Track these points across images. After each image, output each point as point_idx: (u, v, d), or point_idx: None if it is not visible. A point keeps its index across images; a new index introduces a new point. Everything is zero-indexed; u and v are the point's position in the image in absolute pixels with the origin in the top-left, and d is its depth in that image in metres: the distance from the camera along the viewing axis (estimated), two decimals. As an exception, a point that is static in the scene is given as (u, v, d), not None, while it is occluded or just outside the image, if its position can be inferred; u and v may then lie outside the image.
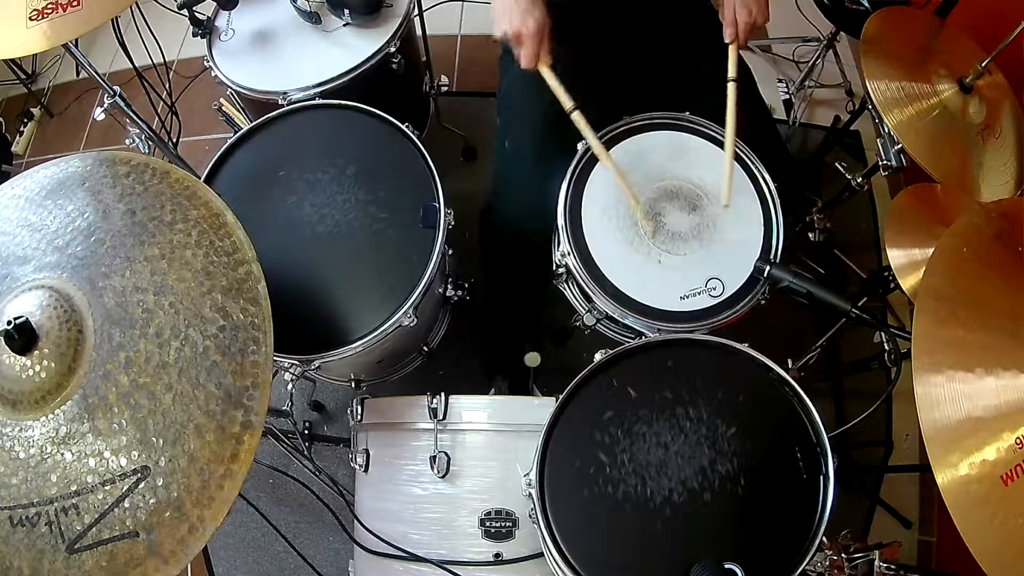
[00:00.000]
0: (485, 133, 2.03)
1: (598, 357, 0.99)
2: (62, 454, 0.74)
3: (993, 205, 1.05)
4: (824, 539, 0.87)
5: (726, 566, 0.81)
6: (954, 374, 0.72)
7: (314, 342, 1.08)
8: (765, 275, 1.05)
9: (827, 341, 1.54)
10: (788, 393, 0.96)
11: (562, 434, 0.94)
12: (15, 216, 0.87)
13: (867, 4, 1.58)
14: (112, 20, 1.29)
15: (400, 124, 1.23)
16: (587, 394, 0.97)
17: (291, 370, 1.13)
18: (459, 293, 1.36)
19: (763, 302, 1.09)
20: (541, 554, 0.98)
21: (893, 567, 1.01)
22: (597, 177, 1.15)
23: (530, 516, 0.94)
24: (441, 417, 1.04)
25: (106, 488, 0.73)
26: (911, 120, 1.16)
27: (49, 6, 1.14)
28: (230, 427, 0.75)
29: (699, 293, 1.07)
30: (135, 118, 1.50)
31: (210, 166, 1.21)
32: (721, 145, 1.18)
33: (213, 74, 1.42)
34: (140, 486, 0.73)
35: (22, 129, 2.38)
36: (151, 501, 0.72)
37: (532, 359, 1.32)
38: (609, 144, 1.17)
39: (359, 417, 1.15)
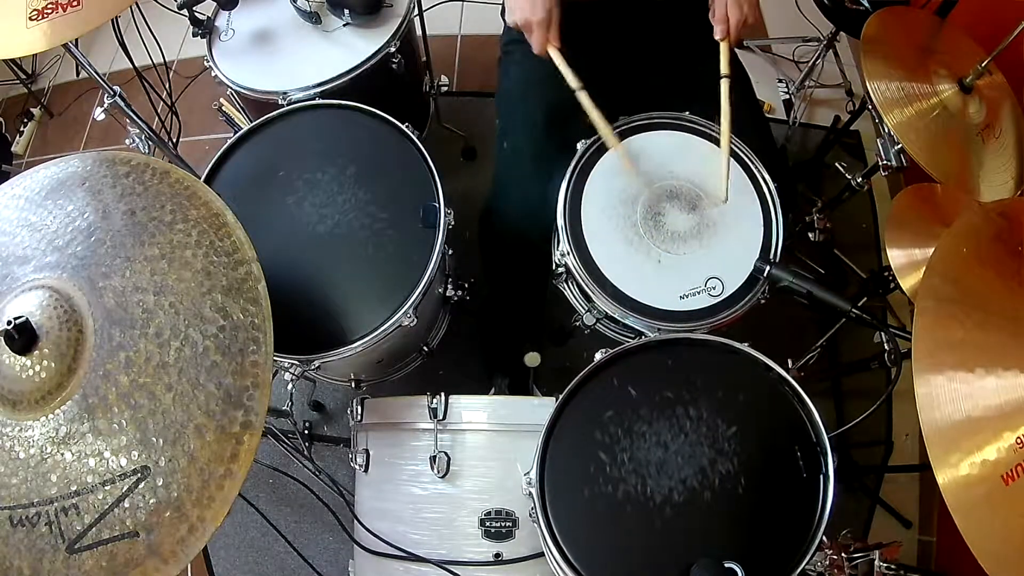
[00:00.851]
0: (485, 133, 2.03)
1: (598, 357, 0.99)
2: (62, 454, 0.74)
3: (993, 205, 1.05)
4: (824, 539, 0.87)
5: (726, 565, 0.81)
6: (954, 374, 0.72)
7: (314, 342, 1.08)
8: (765, 275, 1.05)
9: (827, 341, 1.54)
10: (788, 393, 0.96)
11: (562, 434, 0.94)
12: (15, 216, 0.87)
13: (867, 4, 1.58)
14: (112, 20, 1.29)
15: (400, 124, 1.23)
16: (587, 394, 0.97)
17: (291, 370, 1.13)
18: (459, 293, 1.36)
19: (763, 302, 1.09)
20: (541, 554, 0.98)
21: (893, 567, 1.01)
22: (597, 177, 1.15)
23: (530, 516, 0.94)
24: (441, 417, 1.04)
25: (106, 488, 0.73)
26: (911, 120, 1.16)
27: (49, 6, 1.14)
28: (230, 427, 0.75)
29: (699, 293, 1.07)
30: (135, 118, 1.50)
31: (210, 166, 1.21)
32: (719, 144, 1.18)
33: (213, 74, 1.42)
34: (140, 486, 0.73)
35: (22, 129, 2.38)
36: (151, 501, 0.72)
37: (532, 359, 1.32)
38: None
39: (359, 417, 1.15)
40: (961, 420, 0.71)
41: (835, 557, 0.99)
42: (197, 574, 1.65)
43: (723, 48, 1.12)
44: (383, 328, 1.08)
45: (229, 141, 1.24)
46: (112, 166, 0.90)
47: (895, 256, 1.26)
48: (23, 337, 0.75)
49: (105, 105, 1.44)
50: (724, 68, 1.11)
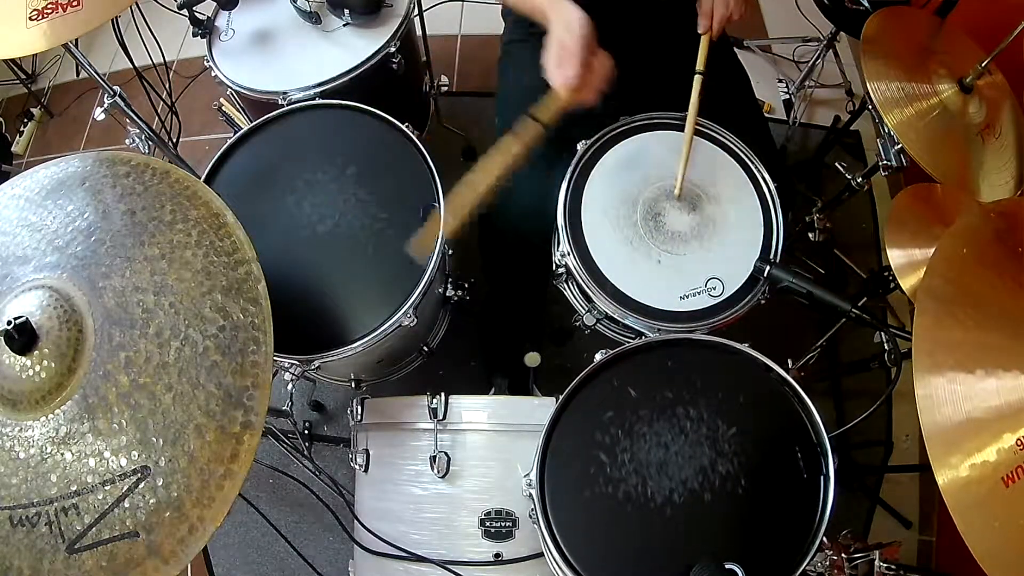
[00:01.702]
0: (485, 133, 2.03)
1: (598, 357, 0.99)
2: (62, 454, 0.74)
3: (993, 205, 1.05)
4: (824, 539, 0.87)
5: (726, 566, 0.81)
6: (954, 375, 0.72)
7: (314, 342, 1.08)
8: (765, 275, 1.05)
9: (827, 341, 1.54)
10: (788, 393, 0.96)
11: (562, 434, 0.94)
12: (15, 216, 0.87)
13: (867, 4, 1.58)
14: (112, 20, 1.29)
15: (400, 124, 1.23)
16: (587, 394, 0.97)
17: (291, 370, 1.13)
18: (459, 293, 1.36)
19: (763, 302, 1.09)
20: (541, 554, 0.98)
21: (893, 567, 1.01)
22: (597, 177, 1.15)
23: (530, 516, 0.94)
24: (441, 417, 1.04)
25: (106, 488, 0.73)
26: (911, 120, 1.16)
27: (49, 6, 1.14)
28: (230, 427, 0.75)
29: (699, 293, 1.07)
30: (135, 118, 1.50)
31: (210, 166, 1.21)
32: (722, 146, 1.18)
33: (213, 74, 1.42)
34: (140, 486, 0.73)
35: (22, 129, 2.38)
36: (151, 501, 0.72)
37: (532, 359, 1.32)
38: (609, 144, 1.18)
39: (359, 417, 1.15)
40: (961, 421, 0.71)
41: (835, 557, 0.99)
42: (197, 574, 1.65)
43: (703, 43, 1.12)
44: (383, 328, 1.08)
45: (229, 141, 1.24)
46: (112, 166, 0.90)
47: (895, 256, 1.26)
48: (23, 337, 0.75)
49: (105, 105, 1.44)
50: (700, 64, 1.11)
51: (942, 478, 0.69)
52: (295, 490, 1.61)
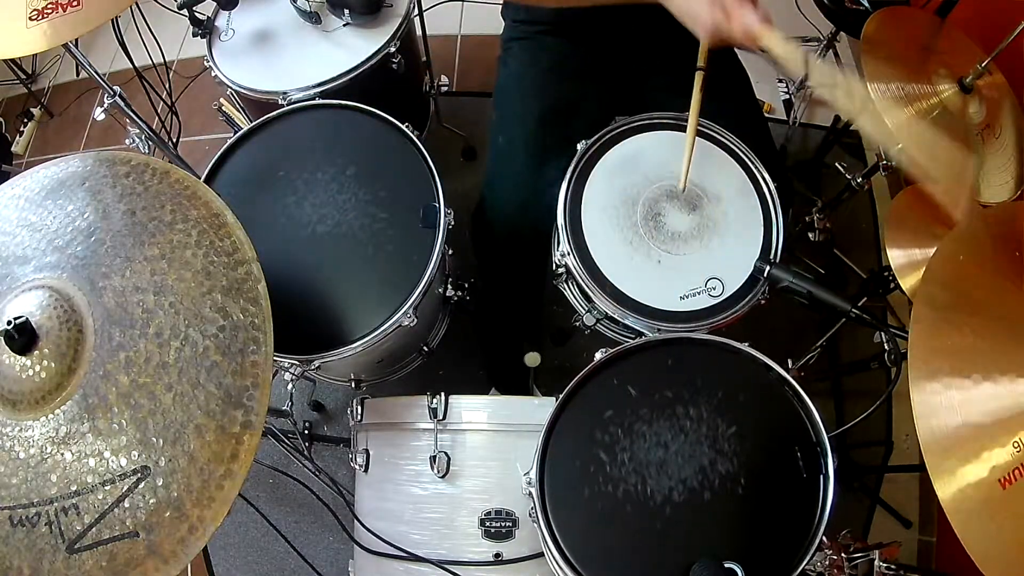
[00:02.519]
0: (485, 133, 2.00)
1: (598, 357, 0.99)
2: (62, 454, 0.74)
3: (991, 210, 1.05)
4: (824, 539, 0.87)
5: (726, 565, 0.81)
6: (951, 381, 0.72)
7: (314, 342, 1.08)
8: (765, 275, 1.05)
9: (827, 341, 1.54)
10: (788, 393, 0.96)
11: (562, 434, 0.94)
12: (15, 216, 0.87)
13: (867, 4, 1.58)
14: (112, 20, 1.29)
15: (400, 124, 1.23)
16: (587, 394, 0.97)
17: (291, 370, 1.13)
18: (459, 293, 1.36)
19: (763, 302, 1.09)
20: (541, 554, 0.98)
21: (893, 567, 1.01)
22: (597, 177, 1.15)
23: (530, 516, 0.94)
24: (441, 417, 1.04)
25: (106, 488, 0.73)
26: (911, 120, 1.16)
27: (49, 6, 1.14)
28: (230, 427, 0.75)
29: (699, 293, 1.07)
30: (135, 118, 1.50)
31: (210, 166, 1.21)
32: (722, 146, 1.18)
33: (213, 74, 1.42)
34: (140, 486, 0.73)
35: (22, 129, 2.39)
36: (151, 501, 0.72)
37: (532, 359, 1.32)
38: (609, 144, 1.17)
39: (359, 417, 1.15)
40: (958, 426, 0.71)
41: (835, 557, 0.99)
42: (197, 574, 1.65)
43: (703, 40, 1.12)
44: (383, 328, 1.08)
45: (229, 141, 1.24)
46: (112, 166, 0.90)
47: (895, 256, 1.26)
48: (23, 337, 0.75)
49: (105, 105, 1.44)
50: (700, 60, 1.10)
51: (939, 482, 0.69)
52: (295, 490, 1.61)
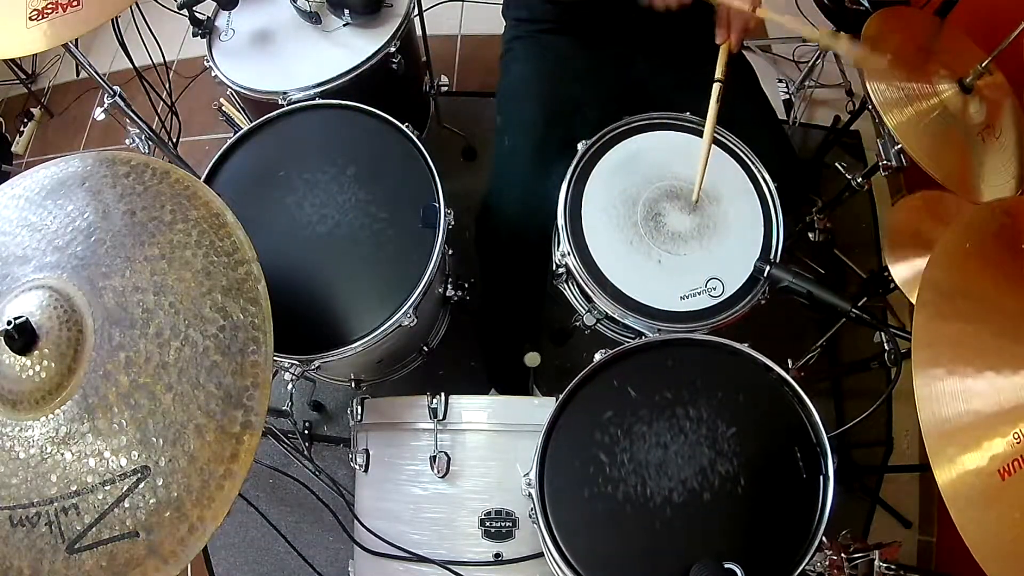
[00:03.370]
0: (485, 133, 2.03)
1: (598, 357, 0.99)
2: (62, 454, 0.74)
3: (996, 202, 1.05)
4: (824, 539, 0.87)
5: (726, 566, 0.81)
6: (953, 368, 0.73)
7: (314, 342, 1.08)
8: (765, 275, 1.05)
9: (827, 341, 1.54)
10: (788, 393, 0.96)
11: (562, 434, 0.94)
12: (15, 216, 0.87)
13: (867, 4, 1.58)
14: (112, 20, 1.29)
15: (400, 124, 1.22)
16: (587, 394, 0.97)
17: (291, 370, 1.13)
18: (459, 293, 1.36)
19: (763, 302, 1.09)
20: (541, 554, 0.98)
21: (893, 567, 1.01)
22: (597, 177, 1.15)
23: (530, 516, 0.94)
24: (441, 417, 1.04)
25: (106, 488, 0.73)
26: (911, 120, 1.16)
27: (49, 6, 1.14)
28: (230, 427, 0.75)
29: (699, 293, 1.07)
30: (135, 118, 1.50)
31: (210, 166, 1.21)
32: (722, 146, 1.18)
33: (213, 74, 1.42)
34: (140, 486, 0.73)
35: (22, 129, 2.38)
36: (151, 501, 0.72)
37: (532, 359, 1.32)
38: (609, 144, 1.18)
39: (359, 417, 1.15)
40: (959, 414, 0.71)
41: (835, 557, 0.99)
42: (197, 574, 1.65)
43: (722, 52, 1.11)
44: (383, 328, 1.08)
45: (229, 141, 1.24)
46: (112, 166, 0.90)
47: (897, 271, 1.26)
48: (23, 337, 0.75)
49: (105, 105, 1.44)
50: (719, 72, 1.10)
51: (939, 471, 0.69)
52: (295, 490, 1.61)
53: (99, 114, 1.45)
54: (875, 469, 1.67)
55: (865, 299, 1.55)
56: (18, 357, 0.76)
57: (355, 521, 1.16)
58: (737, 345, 1.00)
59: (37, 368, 0.76)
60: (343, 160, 1.20)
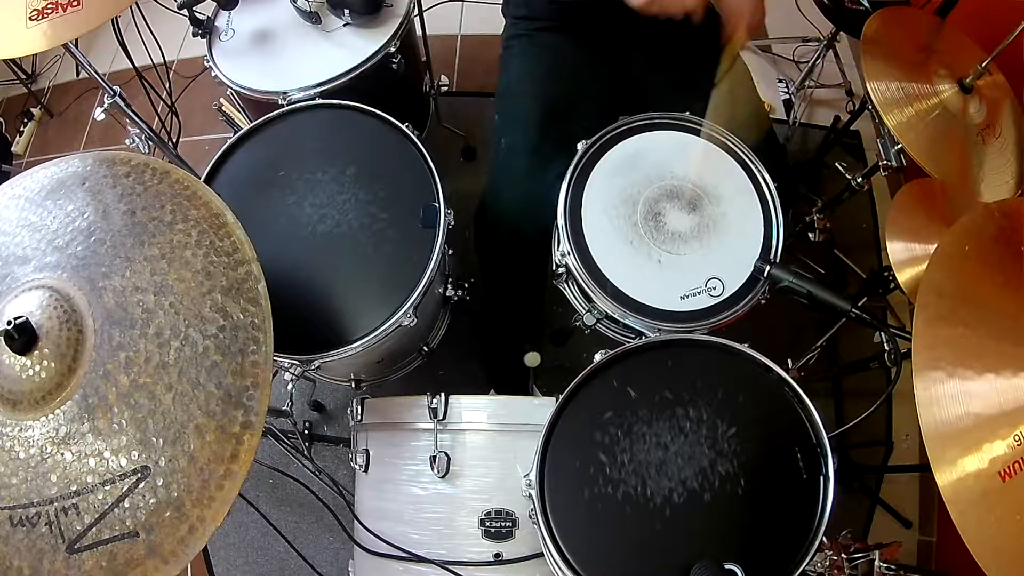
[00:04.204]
0: (485, 133, 2.03)
1: (598, 357, 0.99)
2: (62, 454, 0.74)
3: (995, 205, 1.05)
4: (824, 539, 0.87)
5: (726, 566, 0.81)
6: (954, 370, 0.73)
7: (314, 342, 1.08)
8: (765, 275, 1.05)
9: (827, 341, 1.54)
10: (788, 393, 0.96)
11: (562, 434, 0.94)
12: (15, 216, 0.87)
13: (867, 4, 1.58)
14: (112, 20, 1.29)
15: (400, 124, 1.22)
16: (587, 394, 0.97)
17: (291, 370, 1.13)
18: (459, 293, 1.36)
19: (763, 302, 1.09)
20: (541, 554, 0.98)
21: (893, 567, 1.01)
22: (597, 177, 1.15)
23: (530, 516, 0.94)
24: (441, 417, 1.04)
25: (106, 488, 0.73)
26: (911, 120, 1.16)
27: (49, 6, 1.14)
28: (230, 427, 0.75)
29: (699, 293, 1.07)
30: (135, 118, 1.50)
31: (210, 166, 1.21)
32: (723, 146, 1.18)
33: (213, 74, 1.42)
34: (140, 486, 0.73)
35: (22, 129, 2.38)
36: (151, 501, 0.72)
37: (532, 359, 1.32)
38: (609, 144, 1.18)
39: (359, 417, 1.15)
40: (960, 416, 0.71)
41: (835, 557, 0.99)
42: (197, 574, 1.65)
43: (726, 52, 1.11)
44: (383, 328, 1.08)
45: (229, 141, 1.24)
46: (112, 166, 0.90)
47: (895, 251, 1.25)
48: (23, 337, 0.75)
49: (105, 105, 1.44)
50: (721, 73, 1.10)
51: (940, 472, 0.69)
52: (295, 490, 1.61)
53: (99, 114, 1.45)
54: (875, 469, 1.67)
55: (865, 299, 1.55)
56: (18, 357, 0.76)
57: (355, 521, 1.16)
58: (737, 345, 1.00)
59: (37, 368, 0.76)
60: (343, 160, 1.20)
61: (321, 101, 1.29)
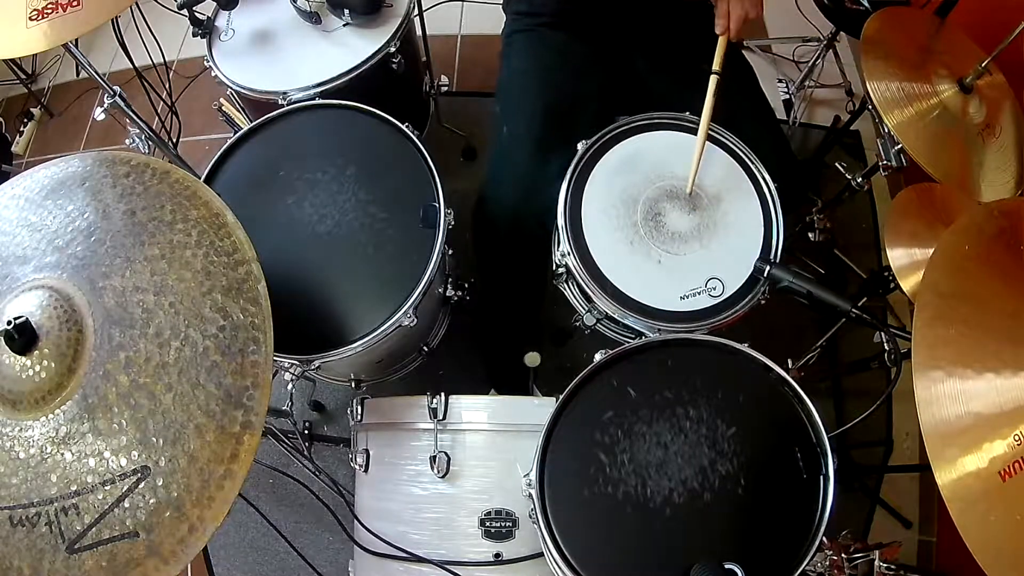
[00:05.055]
0: (485, 133, 2.02)
1: (598, 357, 0.99)
2: (62, 454, 0.74)
3: (995, 204, 1.05)
4: (824, 539, 0.87)
5: (726, 566, 0.81)
6: (954, 370, 0.73)
7: (314, 342, 1.08)
8: (765, 275, 1.05)
9: (827, 341, 1.54)
10: (788, 393, 0.96)
11: (562, 434, 0.94)
12: (15, 216, 0.87)
13: (867, 4, 1.58)
14: (112, 20, 1.29)
15: (400, 124, 1.22)
16: (587, 394, 0.97)
17: (291, 370, 1.13)
18: (459, 293, 1.36)
19: (763, 302, 1.09)
20: (541, 554, 0.98)
21: (893, 567, 1.01)
22: (597, 177, 1.15)
23: (530, 516, 0.94)
24: (441, 417, 1.04)
25: (106, 488, 0.73)
26: (911, 120, 1.16)
27: (49, 6, 1.14)
28: (230, 427, 0.75)
29: (699, 293, 1.07)
30: (135, 118, 1.50)
31: (210, 166, 1.21)
32: (722, 146, 1.18)
33: (213, 74, 1.42)
34: (140, 486, 0.73)
35: (22, 129, 2.38)
36: (151, 501, 0.72)
37: (532, 359, 1.31)
38: (609, 144, 1.18)
39: (359, 417, 1.15)
40: (959, 415, 0.71)
41: (835, 557, 0.99)
42: (197, 574, 1.65)
43: (720, 43, 1.12)
44: (383, 328, 1.08)
45: (229, 141, 1.24)
46: (112, 166, 0.90)
47: (895, 256, 1.26)
48: (23, 337, 0.75)
49: (105, 105, 1.44)
50: (716, 65, 1.10)
51: (940, 472, 0.69)
52: (295, 490, 1.61)
53: (99, 114, 1.45)
54: (875, 469, 1.67)
55: (865, 299, 1.55)
56: (18, 357, 0.76)
57: (355, 521, 1.16)
58: (737, 345, 1.00)
59: (37, 368, 0.76)
60: (343, 160, 1.20)
61: (321, 101, 1.30)
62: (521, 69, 1.33)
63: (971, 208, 1.21)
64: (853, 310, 1.00)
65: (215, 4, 1.44)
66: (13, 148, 2.34)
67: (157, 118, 1.77)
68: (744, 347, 1.00)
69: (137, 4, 1.57)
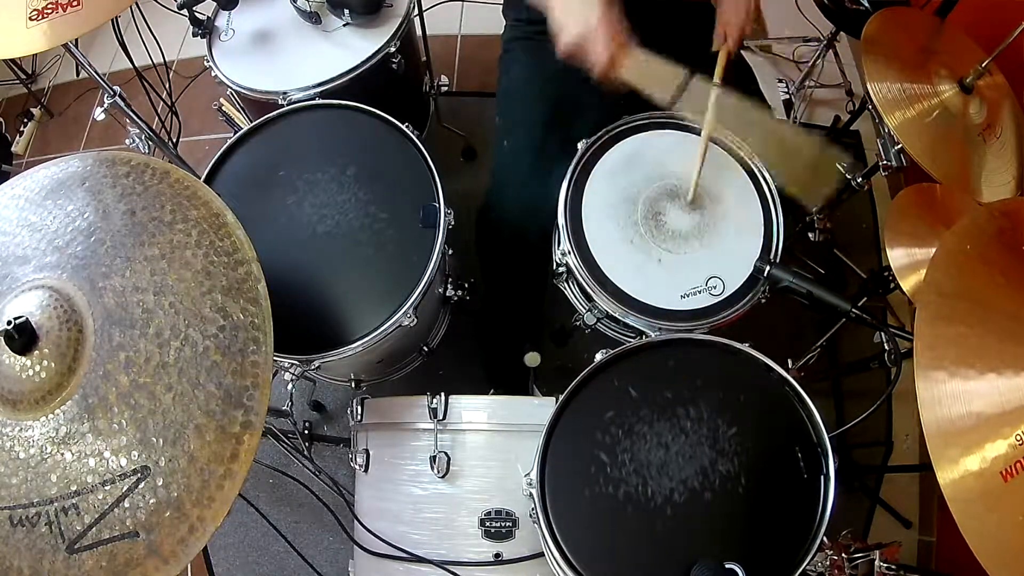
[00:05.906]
0: (485, 133, 2.03)
1: (599, 357, 0.99)
2: (62, 454, 0.74)
3: (996, 204, 1.05)
4: (824, 539, 0.87)
5: (727, 566, 0.81)
6: (955, 370, 0.73)
7: (314, 342, 1.08)
8: (765, 275, 1.05)
9: (827, 341, 1.54)
10: (788, 393, 0.96)
11: (563, 434, 0.94)
12: (15, 216, 0.87)
13: (867, 4, 1.58)
14: (112, 20, 1.29)
15: (400, 124, 1.23)
16: (588, 394, 0.97)
17: (291, 370, 1.13)
18: (459, 293, 1.36)
19: (763, 301, 1.09)
20: (541, 554, 0.98)
21: (893, 567, 1.01)
22: (598, 176, 1.15)
23: (530, 516, 0.94)
24: (441, 417, 1.04)
25: (106, 488, 0.73)
26: (911, 120, 1.16)
27: (49, 6, 1.14)
28: (230, 427, 0.75)
29: (699, 292, 1.07)
30: (135, 118, 1.50)
31: (210, 166, 1.21)
32: (722, 146, 1.18)
33: (213, 74, 1.42)
34: (140, 486, 0.73)
35: (22, 129, 2.38)
36: (151, 501, 0.72)
37: (532, 359, 1.31)
38: (609, 143, 1.18)
39: (359, 417, 1.15)
40: (961, 415, 0.71)
41: (835, 557, 0.99)
42: (197, 574, 1.65)
43: (721, 56, 1.12)
44: (383, 328, 1.08)
45: (229, 141, 1.24)
46: (112, 166, 0.89)
47: (895, 256, 1.26)
48: (23, 337, 0.75)
49: (105, 105, 1.44)
50: (716, 77, 1.10)
51: (941, 472, 0.69)
52: (295, 490, 1.61)
53: (99, 114, 1.45)
54: (875, 469, 1.67)
55: (865, 299, 1.55)
56: (18, 357, 0.76)
57: (355, 521, 1.16)
58: (738, 345, 1.00)
59: (37, 368, 0.76)
60: (343, 160, 1.20)
61: (321, 101, 1.30)
62: (520, 78, 1.33)
63: (972, 208, 1.21)
64: (853, 310, 1.00)
65: (215, 4, 1.44)
66: (13, 148, 2.34)
67: (157, 118, 1.77)
68: (745, 347, 1.00)
69: (137, 4, 1.57)
